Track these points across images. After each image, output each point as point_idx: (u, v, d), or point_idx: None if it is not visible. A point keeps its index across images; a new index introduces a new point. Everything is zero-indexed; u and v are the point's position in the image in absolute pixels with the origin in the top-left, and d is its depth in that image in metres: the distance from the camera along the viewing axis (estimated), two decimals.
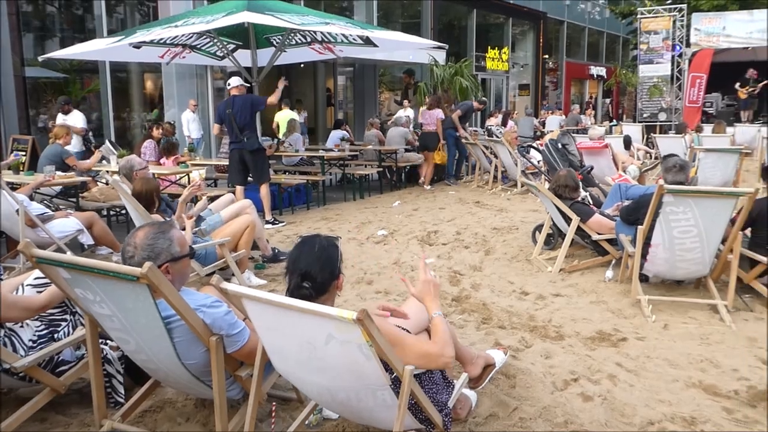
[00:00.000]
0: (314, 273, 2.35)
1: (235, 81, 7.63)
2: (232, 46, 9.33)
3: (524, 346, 3.93)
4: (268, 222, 7.67)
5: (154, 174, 7.14)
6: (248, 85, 7.72)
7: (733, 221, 4.53)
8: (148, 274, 2.13)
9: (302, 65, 14.79)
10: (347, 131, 11.78)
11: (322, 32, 8.92)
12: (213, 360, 2.43)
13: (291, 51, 9.61)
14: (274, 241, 6.67)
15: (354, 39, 9.09)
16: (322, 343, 2.12)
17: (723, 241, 4.62)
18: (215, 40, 8.94)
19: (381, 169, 10.74)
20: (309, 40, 9.42)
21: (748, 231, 4.99)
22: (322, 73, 16.26)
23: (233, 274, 4.94)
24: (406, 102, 13.59)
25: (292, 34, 9.04)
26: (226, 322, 2.49)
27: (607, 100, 32.73)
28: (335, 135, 11.18)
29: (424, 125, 11.20)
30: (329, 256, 2.43)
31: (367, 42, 9.19)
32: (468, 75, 11.51)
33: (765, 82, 19.06)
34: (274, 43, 9.28)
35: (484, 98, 12.68)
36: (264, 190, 7.72)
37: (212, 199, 6.11)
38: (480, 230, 7.27)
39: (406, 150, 11.16)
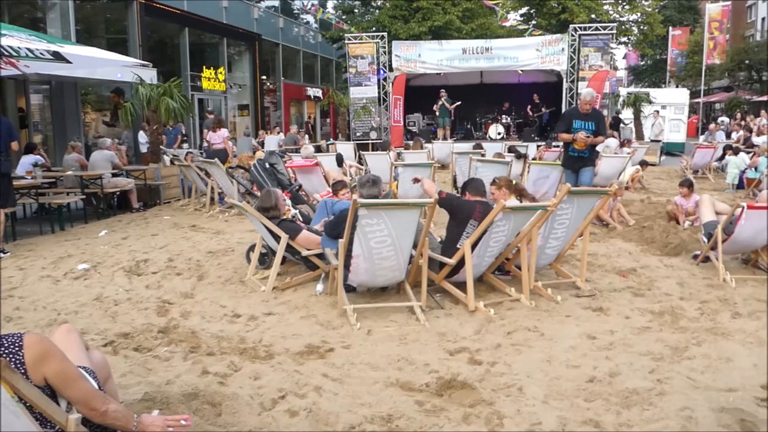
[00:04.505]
0: None
1: None
2: None
3: (233, 371, 3.85)
4: None
5: None
6: None
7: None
8: None
9: None
10: (42, 155, 10.57)
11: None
12: None
13: None
14: None
15: (41, 54, 8.17)
16: None
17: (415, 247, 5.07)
18: None
19: (85, 197, 9.80)
20: None
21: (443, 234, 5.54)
22: (12, 91, 14.39)
23: None
24: None
25: None
26: None
27: (328, 120, 34.37)
28: (26, 160, 9.88)
29: (212, 144, 13.66)
30: None
31: (59, 58, 8.34)
32: (178, 95, 11.11)
33: (458, 103, 21.59)
34: None
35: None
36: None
37: None
38: (194, 255, 7.02)
39: (114, 174, 10.36)
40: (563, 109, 20.34)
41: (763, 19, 44.88)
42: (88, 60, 9.09)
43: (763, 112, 26.58)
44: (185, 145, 16.48)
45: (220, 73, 23.12)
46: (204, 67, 22.30)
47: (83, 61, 9.01)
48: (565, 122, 8.48)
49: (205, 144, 14.85)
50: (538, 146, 16.61)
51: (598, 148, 9.17)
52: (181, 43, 21.24)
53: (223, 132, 14.43)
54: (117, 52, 13.55)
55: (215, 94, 23.19)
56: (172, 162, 12.45)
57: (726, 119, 27.86)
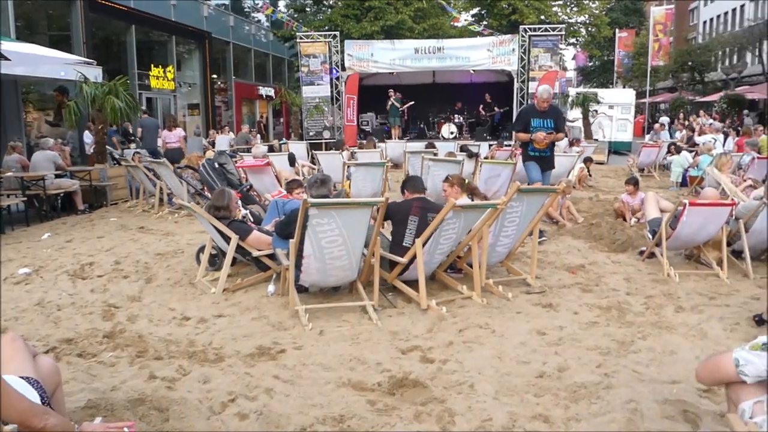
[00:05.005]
0: None
1: None
2: None
3: (181, 375, 3.77)
4: None
5: None
6: None
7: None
8: None
9: None
10: None
11: None
12: None
13: None
14: None
15: None
16: None
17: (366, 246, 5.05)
18: None
19: (27, 199, 9.46)
20: None
21: (388, 234, 5.55)
22: None
23: None
24: None
25: None
26: None
27: (281, 120, 34.05)
28: None
29: (168, 143, 13.90)
30: None
31: None
32: (124, 94, 10.83)
33: (411, 103, 21.64)
34: None
35: None
36: None
37: None
38: (142, 257, 6.85)
39: (58, 176, 10.04)
40: (515, 109, 20.61)
41: (705, 22, 46.54)
42: (28, 57, 8.82)
43: (702, 112, 27.51)
44: (132, 145, 16.08)
45: (169, 71, 22.66)
46: (152, 65, 21.83)
47: (23, 59, 8.74)
48: (523, 121, 7.95)
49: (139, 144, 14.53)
50: (490, 145, 16.80)
51: None
52: (127, 41, 20.74)
53: (179, 131, 14.28)
54: (60, 49, 13.16)
55: (164, 93, 22.72)
56: (117, 162, 12.12)
57: (666, 119, 28.69)
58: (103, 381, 3.67)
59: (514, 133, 8.69)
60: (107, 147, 12.44)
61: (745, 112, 28.73)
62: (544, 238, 7.28)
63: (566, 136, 16.65)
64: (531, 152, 7.91)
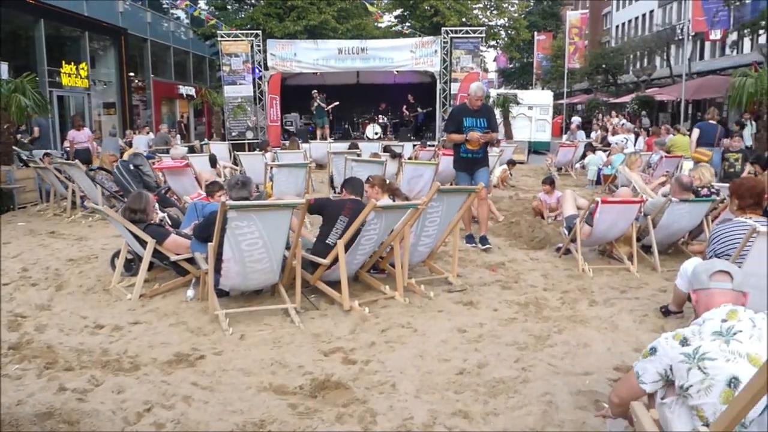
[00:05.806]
0: None
1: None
2: None
3: (94, 386, 3.62)
4: None
5: None
6: None
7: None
8: None
9: None
10: None
11: None
12: None
13: None
14: None
15: None
16: None
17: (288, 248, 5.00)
18: None
19: None
20: None
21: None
22: None
23: None
24: None
25: None
26: None
27: (204, 119, 33.24)
28: None
29: (77, 144, 13.88)
30: None
31: None
32: (31, 91, 10.30)
33: (335, 103, 21.55)
34: None
35: None
36: None
37: None
38: (53, 263, 6.54)
39: None
40: (438, 110, 20.90)
41: (618, 26, 48.67)
42: None
43: (613, 112, 28.72)
44: None
45: (82, 68, 21.71)
46: (64, 62, 20.86)
47: None
48: (455, 121, 7.34)
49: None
50: (414, 146, 16.94)
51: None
52: (36, 36, 19.73)
53: (87, 131, 13.90)
54: None
55: (77, 91, 21.74)
56: (25, 164, 11.53)
57: (578, 119, 29.79)
58: (7, 395, 3.48)
59: (446, 135, 8.23)
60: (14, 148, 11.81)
61: (643, 113, 30.19)
62: (488, 246, 7.30)
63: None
64: (463, 154, 7.36)
